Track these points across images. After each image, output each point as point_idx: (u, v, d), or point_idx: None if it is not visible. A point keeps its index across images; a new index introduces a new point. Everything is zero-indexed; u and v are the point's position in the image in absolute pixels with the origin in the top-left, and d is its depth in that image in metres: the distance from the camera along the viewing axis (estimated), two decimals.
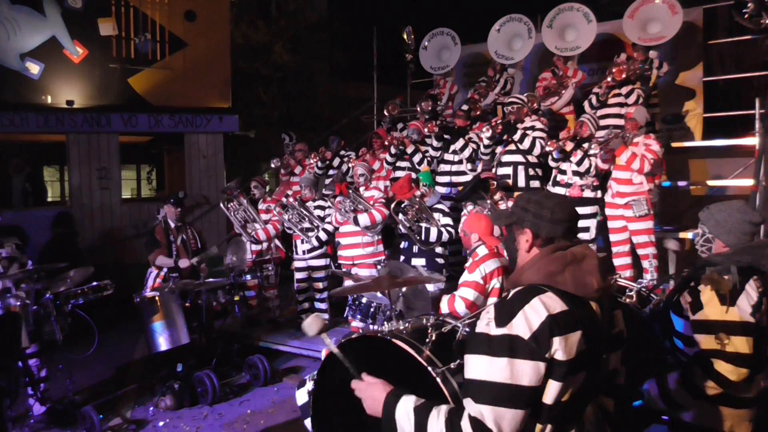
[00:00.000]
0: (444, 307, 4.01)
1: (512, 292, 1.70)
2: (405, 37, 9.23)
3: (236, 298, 5.74)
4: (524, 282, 1.72)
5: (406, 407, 1.70)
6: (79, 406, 4.68)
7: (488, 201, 5.58)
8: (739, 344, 2.28)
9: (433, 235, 5.50)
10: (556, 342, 1.57)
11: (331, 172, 7.62)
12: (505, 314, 1.61)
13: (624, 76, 6.33)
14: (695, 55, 7.66)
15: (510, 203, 5.77)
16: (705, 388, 2.34)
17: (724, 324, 2.31)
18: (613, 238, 5.90)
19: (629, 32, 7.04)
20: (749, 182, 5.96)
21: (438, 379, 1.97)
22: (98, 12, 9.91)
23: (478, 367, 1.60)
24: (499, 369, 1.56)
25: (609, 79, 6.40)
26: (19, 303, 4.58)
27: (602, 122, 6.56)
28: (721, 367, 2.29)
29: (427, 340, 2.16)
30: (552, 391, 1.59)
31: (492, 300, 3.94)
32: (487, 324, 1.63)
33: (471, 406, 1.59)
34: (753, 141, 6.19)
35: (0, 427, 4.05)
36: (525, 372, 1.55)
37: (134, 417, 4.93)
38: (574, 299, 1.67)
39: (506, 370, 1.55)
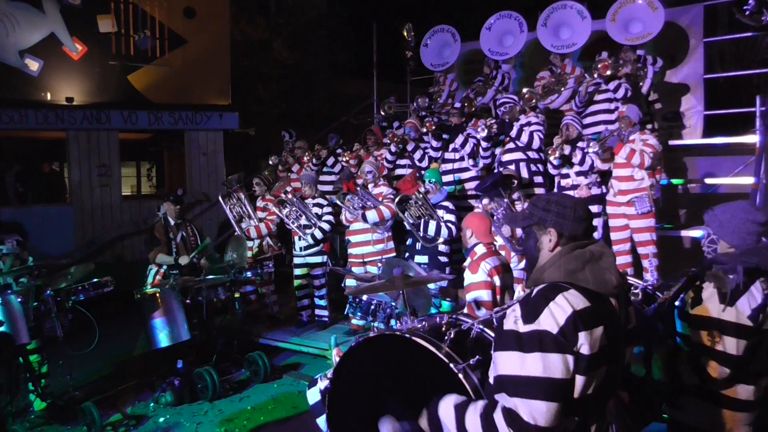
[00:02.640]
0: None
1: (536, 289, 1.74)
2: (405, 33, 9.19)
3: (236, 294, 5.76)
4: (546, 280, 1.77)
5: (447, 405, 1.81)
6: (80, 401, 4.69)
7: (506, 199, 5.53)
8: (729, 345, 2.28)
9: (432, 229, 5.49)
10: (582, 337, 1.62)
11: (325, 169, 7.60)
12: (531, 311, 1.66)
13: (609, 72, 6.31)
14: (696, 53, 7.64)
15: (527, 204, 5.71)
16: (689, 379, 2.38)
17: (719, 322, 2.32)
18: (614, 236, 5.89)
19: (614, 35, 7.00)
20: (750, 180, 5.96)
21: (460, 375, 2.00)
22: (97, 9, 9.91)
23: (510, 363, 1.65)
24: (532, 364, 1.61)
25: (595, 75, 6.39)
26: (20, 299, 4.57)
27: (592, 119, 6.59)
28: (706, 361, 2.31)
29: (446, 338, 2.19)
30: (578, 385, 1.64)
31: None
32: (514, 322, 1.69)
33: (505, 400, 1.64)
34: (753, 139, 6.18)
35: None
36: (557, 365, 1.60)
37: (134, 413, 4.93)
38: (595, 296, 1.72)
39: (539, 364, 1.60)
